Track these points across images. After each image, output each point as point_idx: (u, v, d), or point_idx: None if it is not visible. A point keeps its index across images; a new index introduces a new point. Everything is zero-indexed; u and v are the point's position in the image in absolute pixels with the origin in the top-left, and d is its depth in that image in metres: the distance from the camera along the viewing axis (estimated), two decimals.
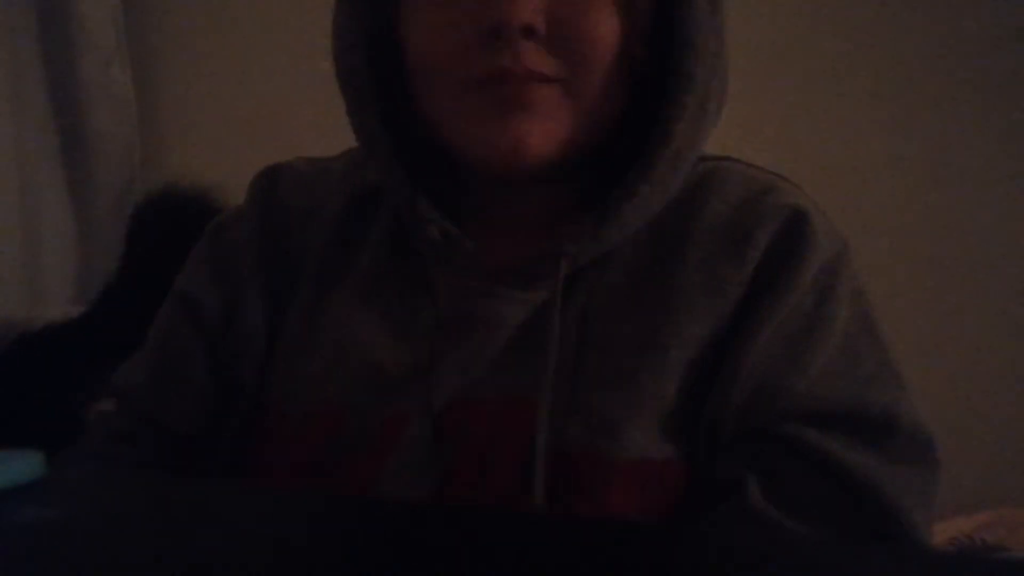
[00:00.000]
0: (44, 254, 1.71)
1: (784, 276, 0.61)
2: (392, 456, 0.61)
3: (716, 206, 0.65)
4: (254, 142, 1.68)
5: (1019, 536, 1.17)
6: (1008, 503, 1.26)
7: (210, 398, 0.70)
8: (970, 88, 1.45)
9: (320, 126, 1.28)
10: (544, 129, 0.61)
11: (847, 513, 0.58)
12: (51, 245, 1.72)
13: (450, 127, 0.64)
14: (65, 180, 1.75)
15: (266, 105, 1.71)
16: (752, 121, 1.47)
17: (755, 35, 1.48)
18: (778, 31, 1.50)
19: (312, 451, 0.63)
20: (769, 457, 0.59)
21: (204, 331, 0.71)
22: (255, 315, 0.70)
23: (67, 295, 1.74)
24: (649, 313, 0.62)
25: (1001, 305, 1.45)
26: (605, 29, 0.61)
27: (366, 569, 0.38)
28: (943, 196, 1.47)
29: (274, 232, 0.72)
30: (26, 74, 1.69)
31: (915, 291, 1.42)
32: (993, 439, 1.35)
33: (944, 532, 1.16)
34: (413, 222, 0.66)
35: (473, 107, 0.61)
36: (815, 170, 1.48)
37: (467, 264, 0.65)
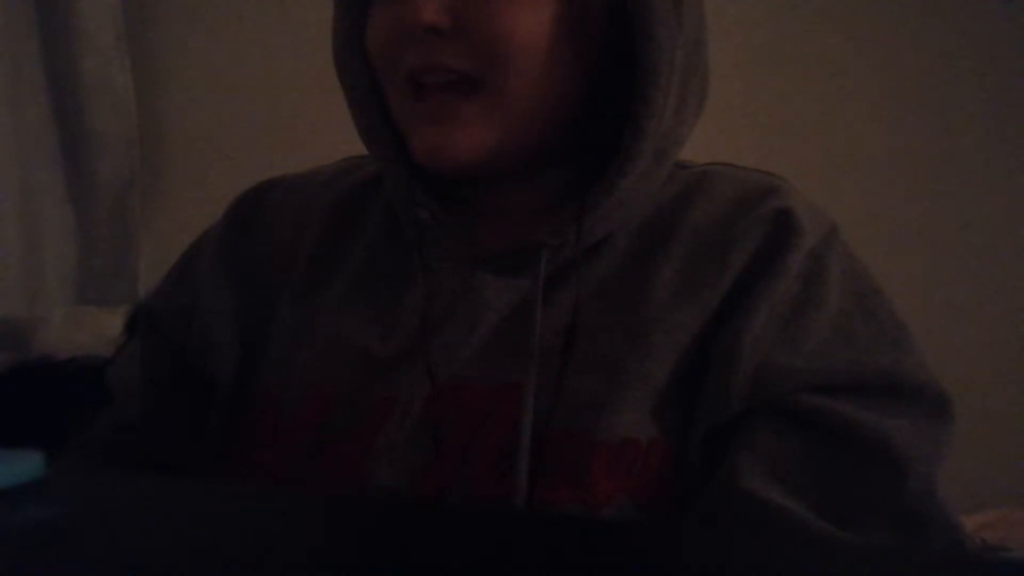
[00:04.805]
0: (44, 254, 1.71)
1: (771, 268, 0.62)
2: (380, 438, 0.62)
3: (705, 207, 0.66)
4: (254, 142, 1.68)
5: (1019, 536, 1.17)
6: (1008, 503, 1.26)
7: (183, 405, 0.72)
8: (970, 84, 1.45)
9: (319, 125, 1.28)
10: (464, 137, 0.62)
11: (856, 468, 0.58)
12: (51, 245, 1.72)
13: (399, 124, 0.67)
14: (65, 180, 1.75)
15: (266, 105, 1.71)
16: (750, 119, 1.47)
17: (754, 33, 1.48)
18: (777, 27, 1.50)
19: (302, 435, 0.64)
20: (770, 430, 0.59)
21: (164, 336, 0.75)
22: (220, 317, 0.72)
23: (67, 295, 1.75)
24: (633, 301, 0.64)
25: (1002, 304, 1.45)
26: (520, 25, 0.60)
27: (369, 567, 0.38)
28: (943, 195, 1.47)
29: (250, 238, 0.74)
30: (26, 74, 1.69)
31: (914, 289, 1.42)
32: (993, 439, 1.35)
33: None
34: (406, 207, 0.67)
35: (407, 112, 0.65)
36: (814, 166, 1.48)
37: (456, 251, 0.67)
